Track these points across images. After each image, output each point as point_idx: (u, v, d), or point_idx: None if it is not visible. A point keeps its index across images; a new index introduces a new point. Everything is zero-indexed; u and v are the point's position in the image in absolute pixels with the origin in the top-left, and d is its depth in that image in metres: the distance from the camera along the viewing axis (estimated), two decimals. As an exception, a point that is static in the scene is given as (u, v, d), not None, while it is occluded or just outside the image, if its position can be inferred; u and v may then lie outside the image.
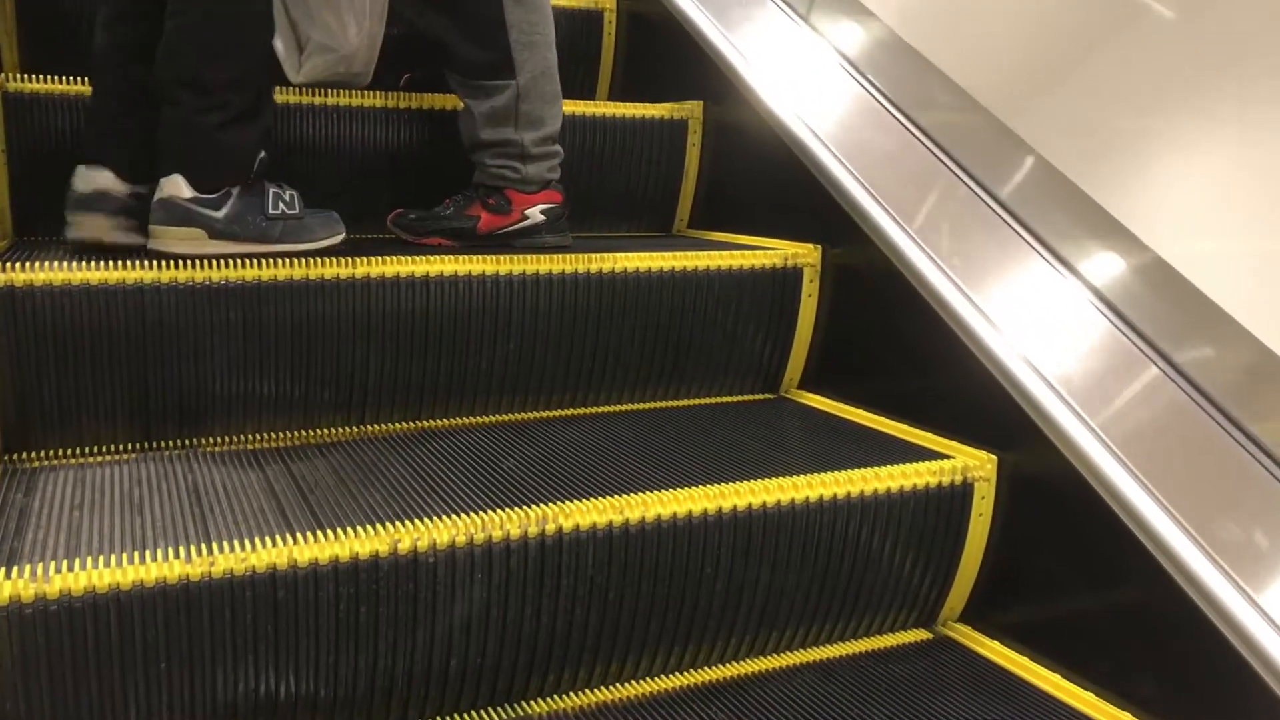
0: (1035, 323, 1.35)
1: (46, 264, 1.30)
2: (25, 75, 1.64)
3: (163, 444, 1.38)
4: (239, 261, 1.38)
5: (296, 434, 1.44)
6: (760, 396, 1.73)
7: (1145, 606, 1.14)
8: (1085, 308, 1.32)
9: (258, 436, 1.42)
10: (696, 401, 1.69)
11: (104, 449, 1.36)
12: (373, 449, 1.37)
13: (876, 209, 1.56)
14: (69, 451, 1.34)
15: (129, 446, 1.37)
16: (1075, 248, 1.38)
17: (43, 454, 1.32)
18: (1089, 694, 1.19)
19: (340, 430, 1.47)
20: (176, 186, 1.42)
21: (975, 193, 1.53)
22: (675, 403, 1.67)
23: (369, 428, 1.48)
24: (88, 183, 1.46)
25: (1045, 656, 1.26)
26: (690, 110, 2.04)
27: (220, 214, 1.43)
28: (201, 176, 1.42)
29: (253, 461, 1.30)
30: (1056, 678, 1.23)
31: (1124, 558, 1.13)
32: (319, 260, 1.42)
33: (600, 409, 1.62)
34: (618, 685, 1.19)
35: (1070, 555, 1.24)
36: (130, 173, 1.48)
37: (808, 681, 1.22)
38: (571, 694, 1.17)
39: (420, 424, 1.51)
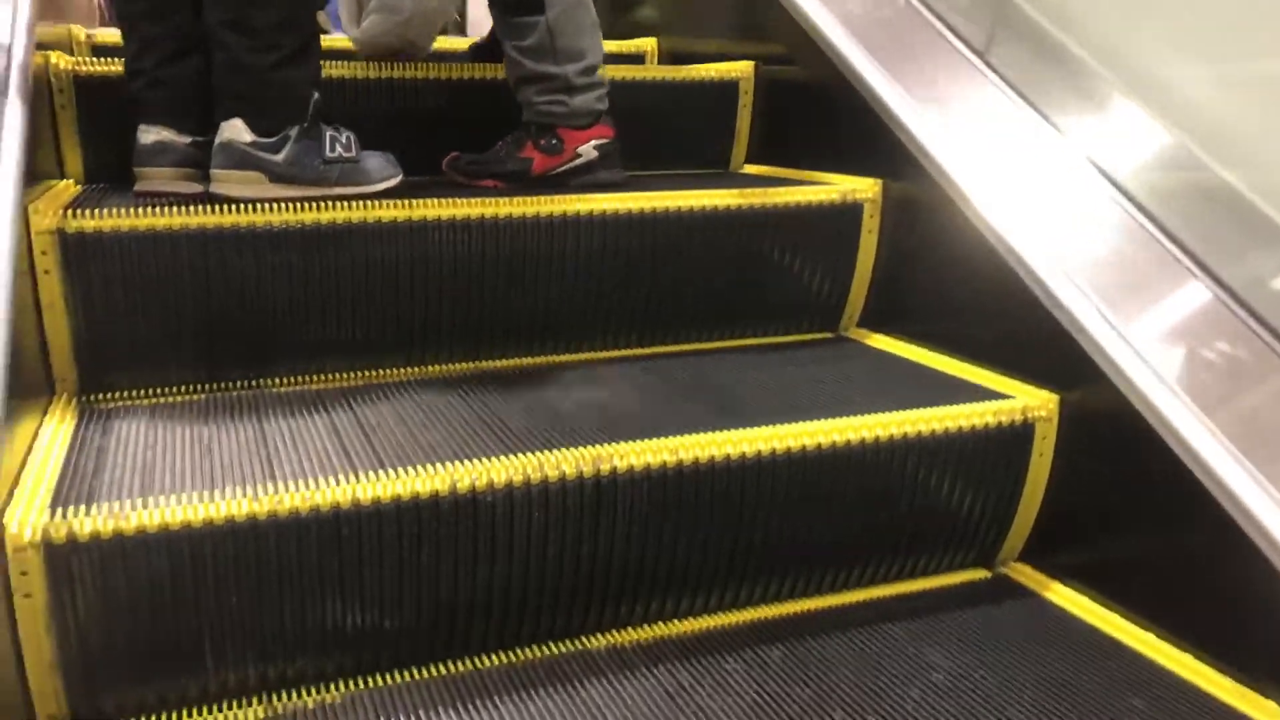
0: (1098, 258, 1.32)
1: (112, 210, 1.33)
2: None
3: (229, 384, 1.41)
4: (298, 205, 1.40)
5: (359, 375, 1.47)
6: (819, 335, 1.72)
7: (1208, 550, 1.12)
8: (1150, 243, 1.28)
9: (321, 377, 1.45)
10: (755, 341, 1.68)
11: (174, 389, 1.39)
12: (433, 389, 1.39)
13: (936, 142, 1.53)
14: (141, 392, 1.38)
15: (198, 387, 1.40)
16: (1142, 179, 1.34)
17: (116, 395, 1.37)
18: (1150, 635, 1.18)
19: (401, 371, 1.49)
20: (236, 130, 1.44)
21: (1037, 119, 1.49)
22: (733, 342, 1.67)
23: (429, 368, 1.51)
24: (149, 135, 1.49)
25: (1106, 597, 1.25)
26: (743, 69, 2.01)
27: (279, 157, 1.45)
28: (259, 119, 1.44)
29: (316, 402, 1.33)
30: (1116, 618, 1.22)
31: (1186, 501, 1.11)
32: (376, 203, 1.43)
33: (657, 349, 1.62)
34: (675, 621, 1.21)
35: (1132, 497, 1.23)
36: (183, 123, 1.50)
37: (865, 619, 1.22)
38: (630, 629, 1.19)
39: (479, 365, 1.53)
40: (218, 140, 1.45)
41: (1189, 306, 1.24)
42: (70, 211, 1.31)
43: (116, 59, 1.62)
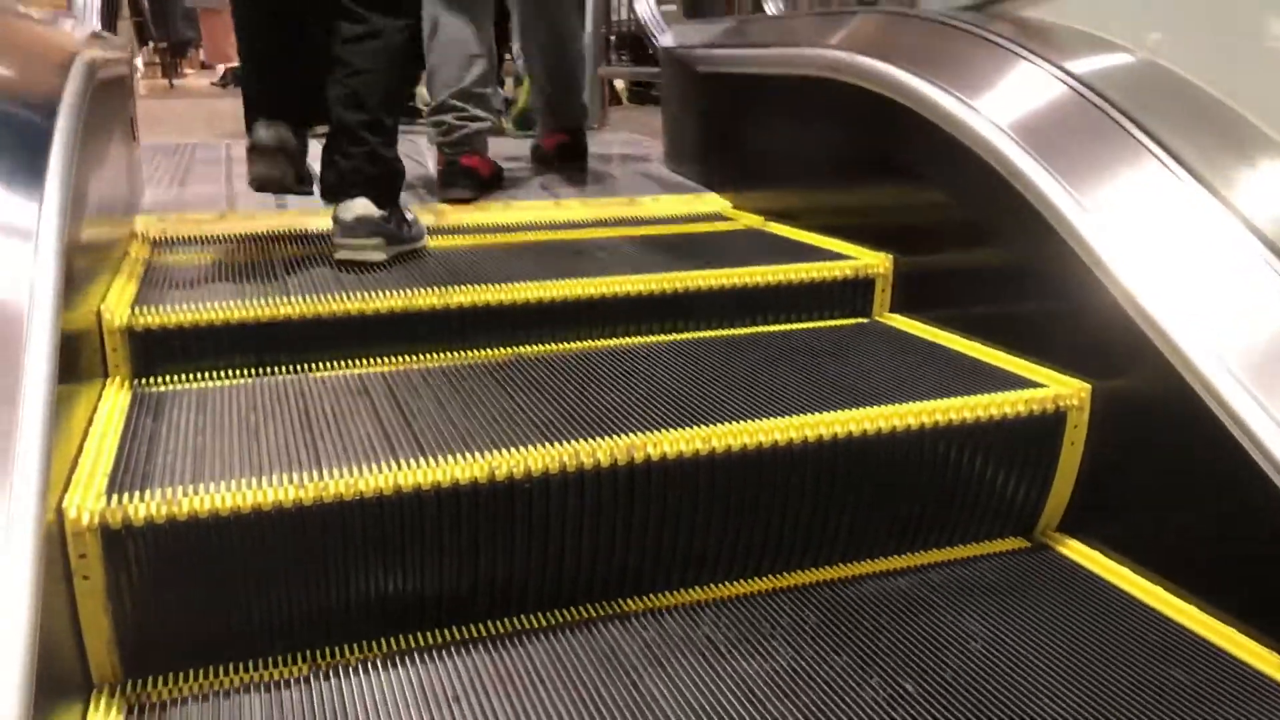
0: (1142, 239, 1.31)
1: (178, 306, 1.44)
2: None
3: (275, 369, 1.46)
4: (349, 296, 1.52)
5: (399, 359, 1.51)
6: (850, 321, 1.73)
7: (1253, 523, 1.10)
8: (1213, 221, 1.25)
9: (363, 361, 1.49)
10: (785, 327, 1.69)
11: (222, 373, 1.44)
12: (471, 376, 1.41)
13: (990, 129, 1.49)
14: (190, 376, 1.43)
15: (245, 371, 1.45)
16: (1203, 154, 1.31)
17: (167, 379, 1.41)
18: (1192, 607, 1.18)
19: (440, 356, 1.53)
20: (368, 208, 1.74)
21: (1090, 99, 1.46)
22: (764, 328, 1.68)
23: (468, 354, 1.54)
24: (268, 130, 1.72)
25: (1146, 568, 1.24)
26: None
27: (392, 225, 1.78)
28: (384, 199, 1.76)
29: (359, 387, 1.36)
30: (1159, 590, 1.22)
31: (1232, 474, 1.09)
32: (417, 291, 1.55)
33: (690, 335, 1.65)
34: (711, 586, 1.23)
35: (1173, 471, 1.21)
36: (300, 122, 1.74)
37: (900, 584, 1.24)
38: (666, 593, 1.21)
39: (516, 350, 1.56)
40: (352, 215, 1.73)
41: (1236, 278, 1.21)
42: (136, 309, 1.42)
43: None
